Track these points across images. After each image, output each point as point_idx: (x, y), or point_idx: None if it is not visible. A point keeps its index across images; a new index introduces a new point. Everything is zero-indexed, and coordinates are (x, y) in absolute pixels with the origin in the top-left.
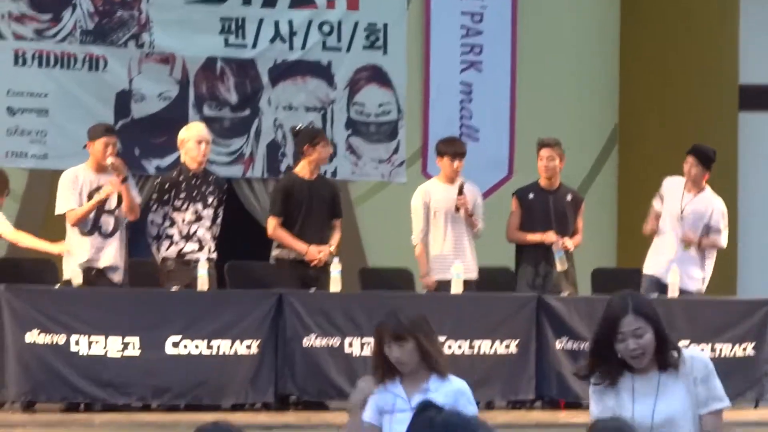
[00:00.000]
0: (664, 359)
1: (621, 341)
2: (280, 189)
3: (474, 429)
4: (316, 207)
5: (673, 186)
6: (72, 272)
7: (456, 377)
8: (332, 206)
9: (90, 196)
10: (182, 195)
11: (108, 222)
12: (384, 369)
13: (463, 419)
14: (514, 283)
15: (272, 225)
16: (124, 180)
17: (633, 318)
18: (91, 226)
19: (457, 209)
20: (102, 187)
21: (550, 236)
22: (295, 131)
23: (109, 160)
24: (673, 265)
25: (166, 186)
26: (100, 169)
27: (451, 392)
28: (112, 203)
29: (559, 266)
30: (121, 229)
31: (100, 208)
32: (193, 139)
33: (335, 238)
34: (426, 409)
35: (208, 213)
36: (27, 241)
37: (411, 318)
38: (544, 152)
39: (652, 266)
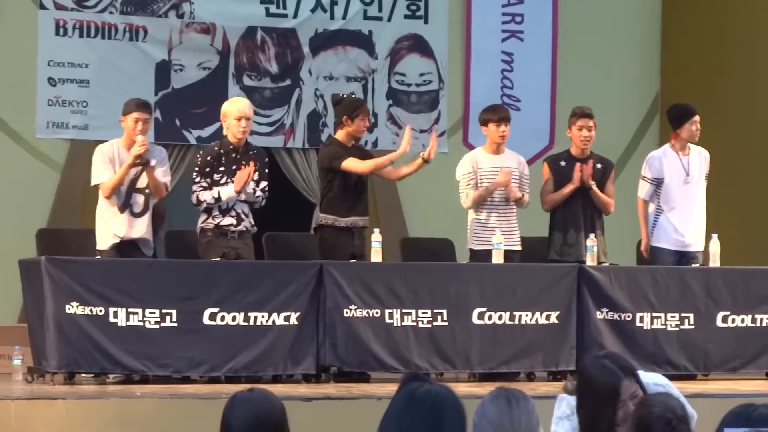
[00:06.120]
0: None
1: (621, 407)
2: (329, 146)
3: (455, 402)
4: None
5: (662, 159)
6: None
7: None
8: None
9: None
10: (221, 168)
11: (138, 201)
12: None
13: (446, 391)
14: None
15: (352, 163)
16: (146, 165)
17: (628, 382)
18: (122, 204)
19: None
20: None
21: (577, 180)
22: (337, 99)
23: (139, 138)
24: (714, 235)
25: (208, 159)
26: (132, 145)
27: None
28: (142, 183)
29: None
30: (150, 208)
31: (132, 187)
32: (233, 116)
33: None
34: (410, 381)
35: (246, 187)
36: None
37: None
38: (582, 122)
39: (666, 239)
